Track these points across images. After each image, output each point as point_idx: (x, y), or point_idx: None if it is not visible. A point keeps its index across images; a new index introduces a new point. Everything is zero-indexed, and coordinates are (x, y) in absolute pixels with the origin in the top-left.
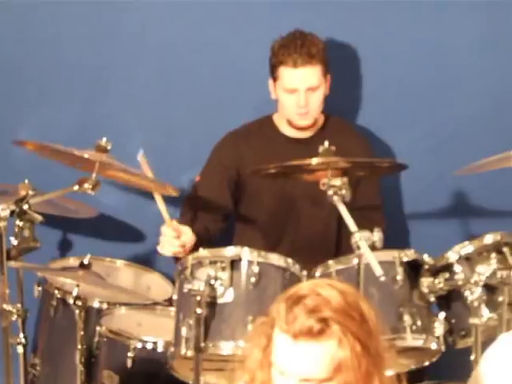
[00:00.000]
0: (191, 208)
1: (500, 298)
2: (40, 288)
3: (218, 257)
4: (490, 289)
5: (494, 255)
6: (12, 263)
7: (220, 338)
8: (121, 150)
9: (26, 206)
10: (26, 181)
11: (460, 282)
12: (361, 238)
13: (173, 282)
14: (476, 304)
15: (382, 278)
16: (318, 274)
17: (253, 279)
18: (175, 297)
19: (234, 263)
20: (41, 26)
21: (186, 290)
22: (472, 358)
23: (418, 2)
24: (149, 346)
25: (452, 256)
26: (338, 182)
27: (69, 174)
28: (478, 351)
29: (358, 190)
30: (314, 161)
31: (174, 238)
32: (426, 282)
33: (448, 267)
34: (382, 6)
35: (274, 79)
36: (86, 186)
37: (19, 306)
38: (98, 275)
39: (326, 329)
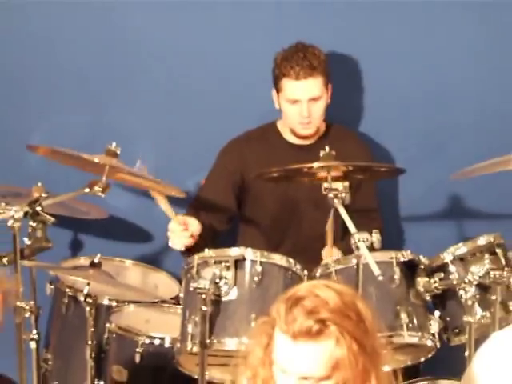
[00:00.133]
0: (197, 210)
1: (493, 297)
2: (52, 286)
3: (222, 257)
4: (483, 288)
5: (487, 256)
6: (25, 262)
7: (224, 335)
8: (129, 155)
9: (38, 208)
10: (39, 184)
11: (454, 282)
12: (360, 239)
13: (179, 280)
14: (470, 303)
15: (380, 278)
16: (318, 273)
17: (256, 278)
18: (182, 295)
19: (238, 263)
20: (54, 37)
21: (192, 289)
22: (466, 354)
23: (414, 15)
24: (156, 342)
25: (447, 257)
26: (338, 185)
27: (80, 177)
28: (472, 348)
29: (357, 194)
30: (315, 165)
31: (182, 231)
32: (421, 281)
33: (443, 267)
34: (381, 18)
35: (278, 90)
36: (97, 188)
37: (32, 303)
38: (108, 274)
39: (324, 329)
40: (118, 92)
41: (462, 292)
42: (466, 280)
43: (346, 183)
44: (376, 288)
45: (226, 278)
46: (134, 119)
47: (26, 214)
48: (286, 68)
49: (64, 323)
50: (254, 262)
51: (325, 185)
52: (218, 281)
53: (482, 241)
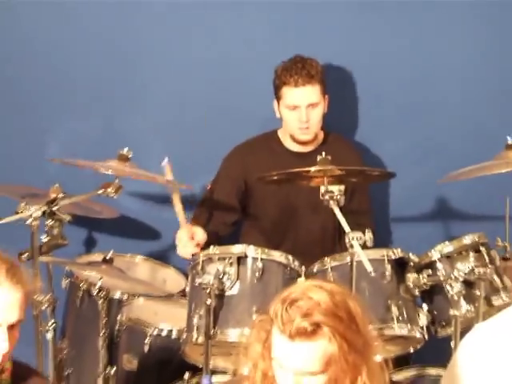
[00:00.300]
0: (203, 212)
1: (477, 293)
2: (67, 280)
3: (226, 254)
4: (468, 284)
5: (472, 254)
6: (43, 258)
7: (227, 326)
8: (140, 159)
9: (55, 208)
10: (56, 185)
11: (441, 278)
12: (353, 238)
13: (186, 275)
14: (455, 297)
15: (372, 274)
16: (315, 269)
17: (257, 274)
18: (188, 289)
19: (241, 259)
20: (69, 48)
21: (197, 283)
22: (452, 345)
23: (405, 28)
24: (164, 333)
25: (434, 254)
26: (334, 188)
27: (94, 179)
28: (457, 339)
29: (352, 197)
30: (313, 169)
31: (188, 240)
32: (411, 277)
33: (431, 264)
34: (373, 33)
35: (278, 98)
36: (110, 190)
37: (49, 296)
38: (119, 269)
39: (317, 330)
40: (129, 100)
41: (448, 287)
42: (452, 276)
43: (342, 186)
44: (368, 283)
45: (229, 274)
46: (145, 126)
47: (43, 213)
48: (285, 77)
49: (78, 315)
50: (255, 258)
51: (321, 188)
52: (221, 276)
53: (467, 240)
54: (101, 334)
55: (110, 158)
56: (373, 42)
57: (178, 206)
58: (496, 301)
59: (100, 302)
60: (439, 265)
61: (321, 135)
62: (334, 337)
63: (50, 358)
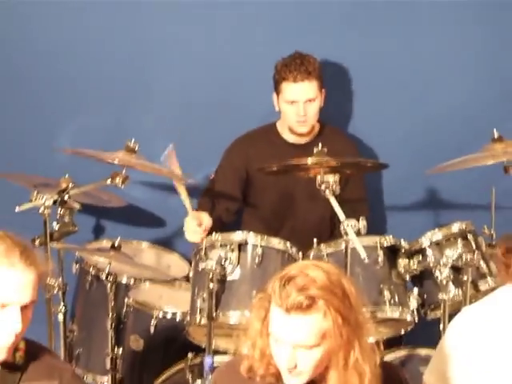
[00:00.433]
0: (207, 201)
1: (464, 278)
2: (77, 266)
3: (227, 240)
4: (456, 269)
5: (459, 241)
6: (54, 244)
7: (229, 309)
8: (146, 150)
9: (66, 197)
10: (67, 175)
11: (431, 264)
12: (348, 226)
13: (189, 261)
14: (444, 282)
15: (366, 260)
16: (311, 256)
17: (257, 260)
18: (191, 274)
19: (241, 246)
20: (79, 46)
21: (200, 269)
22: (441, 327)
23: (397, 25)
24: (169, 315)
25: (424, 241)
26: (330, 178)
27: (102, 170)
28: (446, 321)
29: (347, 186)
30: (309, 160)
31: (196, 226)
32: (402, 263)
33: (421, 251)
34: (368, 30)
35: (277, 93)
36: (117, 180)
37: (60, 280)
38: (127, 255)
39: (313, 304)
40: (136, 96)
41: (437, 273)
42: (441, 262)
43: (337, 177)
44: (362, 269)
45: (230, 259)
46: (151, 119)
47: (55, 202)
48: (285, 73)
49: (88, 298)
50: (255, 245)
51: (318, 178)
52: (223, 262)
53: (456, 228)
54: (109, 316)
55: (118, 150)
56: (367, 38)
57: (183, 194)
58: (482, 285)
59: (108, 285)
60: (429, 251)
61: (317, 127)
62: (329, 311)
63: (61, 338)
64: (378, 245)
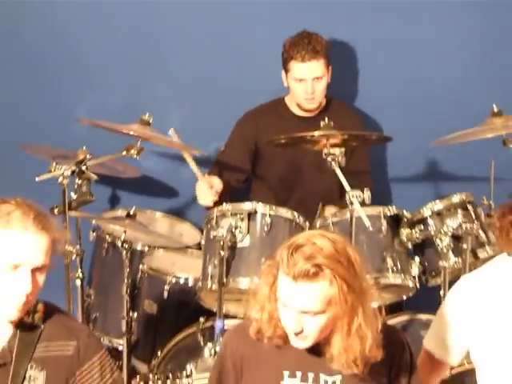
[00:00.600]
0: (218, 171)
1: (464, 246)
2: (94, 233)
3: (237, 210)
4: (456, 238)
5: (459, 211)
6: (72, 213)
7: (239, 275)
8: (160, 123)
9: (83, 167)
10: (84, 147)
11: (432, 233)
12: (353, 196)
13: (201, 230)
14: (445, 250)
15: (370, 229)
16: (318, 224)
17: (266, 228)
18: (203, 242)
19: (251, 215)
20: (97, 24)
21: (211, 236)
22: (441, 293)
23: (401, 3)
24: (181, 281)
25: (426, 211)
26: (336, 151)
27: (118, 141)
28: (446, 288)
29: (352, 158)
30: (316, 133)
31: (208, 189)
32: (404, 232)
33: (423, 220)
34: (374, 10)
35: (286, 71)
36: (132, 151)
37: (78, 247)
38: (141, 224)
39: (319, 272)
40: (150, 70)
41: (438, 241)
42: (442, 231)
43: (342, 149)
44: (366, 237)
45: (240, 228)
46: (165, 93)
47: (73, 172)
48: (293, 52)
49: (104, 265)
50: (264, 214)
51: (324, 150)
52: (233, 230)
53: (456, 198)
54: (124, 282)
55: (133, 123)
56: (373, 17)
57: (191, 164)
58: (481, 253)
59: (124, 253)
60: (430, 221)
61: (324, 102)
62: (335, 278)
63: (78, 303)
64: (382, 214)
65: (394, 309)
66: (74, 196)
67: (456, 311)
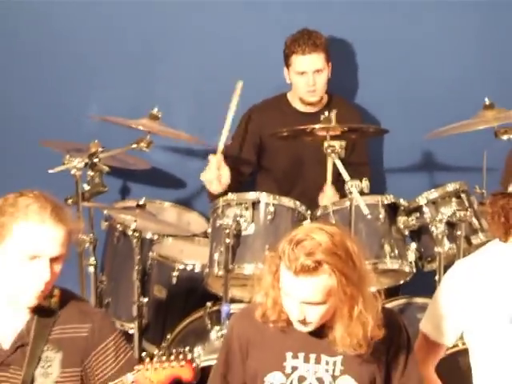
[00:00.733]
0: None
1: (458, 233)
2: (106, 223)
3: (242, 199)
4: (450, 225)
5: (454, 199)
6: (85, 203)
7: (244, 262)
8: (169, 118)
9: (96, 160)
10: (96, 141)
11: (428, 220)
12: (352, 186)
13: (208, 219)
14: (440, 237)
15: (369, 216)
16: (319, 213)
17: (269, 217)
18: (209, 230)
19: (255, 204)
20: (107, 26)
21: (218, 225)
22: (436, 278)
23: (398, 4)
24: (189, 268)
25: (421, 200)
26: (336, 143)
27: (128, 135)
28: (441, 273)
29: (352, 152)
30: (317, 126)
31: (215, 167)
32: (401, 219)
33: (418, 208)
34: (372, 9)
35: (288, 66)
36: (142, 144)
37: (91, 236)
38: (151, 213)
39: (319, 267)
40: (159, 68)
41: (433, 228)
42: (437, 219)
43: (342, 142)
44: (365, 225)
45: (245, 217)
46: (173, 89)
47: (86, 164)
48: (294, 46)
49: (116, 252)
50: (267, 203)
51: (325, 143)
52: (238, 219)
53: (450, 187)
54: (135, 268)
55: (143, 117)
56: (372, 15)
57: (225, 133)
58: (474, 240)
59: (134, 241)
60: (426, 209)
61: (325, 98)
62: (334, 272)
63: (91, 288)
64: (380, 203)
65: (391, 293)
66: (86, 187)
67: (451, 295)
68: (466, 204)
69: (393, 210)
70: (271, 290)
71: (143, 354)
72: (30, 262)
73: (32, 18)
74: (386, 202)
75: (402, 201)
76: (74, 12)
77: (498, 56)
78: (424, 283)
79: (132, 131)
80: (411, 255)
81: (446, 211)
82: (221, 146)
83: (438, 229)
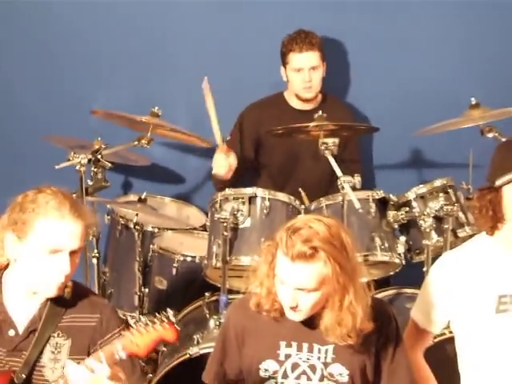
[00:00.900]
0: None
1: (445, 226)
2: (109, 216)
3: (239, 194)
4: (438, 219)
5: (441, 195)
6: (89, 198)
7: (240, 254)
8: (169, 116)
9: (99, 156)
10: (99, 138)
11: (416, 214)
12: (344, 181)
13: (206, 213)
14: (428, 230)
15: (360, 211)
16: (312, 207)
17: (265, 211)
18: (208, 223)
19: (251, 199)
20: (110, 26)
21: (216, 218)
22: (424, 269)
23: (389, 4)
24: (188, 259)
25: (410, 195)
26: (329, 140)
27: (130, 133)
28: (429, 264)
29: (345, 150)
30: (311, 124)
31: (224, 159)
32: (391, 213)
33: (407, 203)
34: (363, 9)
35: (285, 64)
36: (143, 142)
37: (94, 229)
38: (152, 207)
39: (315, 254)
40: (159, 67)
41: (422, 222)
42: (425, 213)
43: (335, 139)
44: (357, 218)
45: (242, 211)
46: (173, 88)
47: (89, 160)
48: (291, 45)
49: (118, 245)
50: (263, 198)
51: (320, 140)
52: (235, 213)
53: (438, 183)
54: (136, 260)
55: (144, 115)
56: (364, 17)
57: (215, 128)
58: (461, 233)
59: (136, 234)
60: (414, 203)
61: (319, 97)
62: (329, 260)
63: (95, 279)
64: (371, 198)
65: (381, 284)
66: (90, 182)
67: (438, 285)
68: (453, 199)
69: (383, 204)
70: (266, 279)
71: (129, 320)
72: (51, 256)
73: (38, 18)
74: (376, 197)
75: (391, 196)
76: (80, 12)
77: (484, 58)
78: (413, 274)
79: (133, 129)
80: (400, 247)
81: (434, 206)
82: (218, 138)
83: (426, 222)
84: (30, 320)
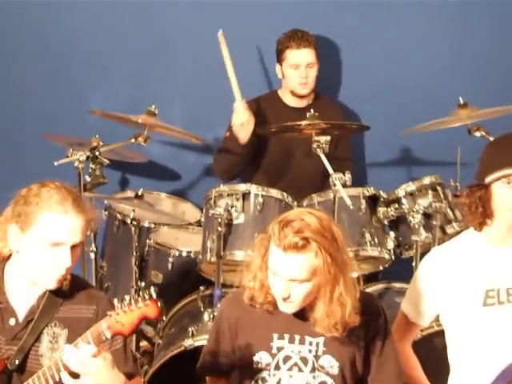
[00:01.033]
0: (223, 156)
1: (434, 223)
2: (107, 212)
3: (233, 191)
4: (426, 216)
5: (430, 192)
6: (87, 194)
7: (234, 249)
8: (165, 114)
9: (97, 153)
10: (97, 135)
11: (406, 211)
12: (336, 179)
13: (201, 209)
14: (417, 226)
15: (351, 207)
16: (304, 204)
17: (258, 207)
18: (203, 219)
19: (245, 195)
20: (108, 26)
21: (210, 214)
22: (413, 264)
23: (379, 5)
24: (184, 254)
25: (400, 192)
26: (321, 138)
27: (127, 131)
28: (418, 260)
29: (337, 148)
30: (303, 122)
31: (243, 109)
32: (381, 210)
33: (397, 200)
34: (350, 10)
35: (281, 61)
36: (140, 139)
37: (92, 224)
38: (148, 203)
39: (307, 245)
40: (156, 66)
41: (411, 218)
42: (414, 209)
43: (327, 137)
44: (347, 215)
45: (236, 207)
46: (169, 87)
47: (87, 157)
48: (289, 42)
49: (115, 240)
50: (256, 194)
51: (313, 139)
52: (229, 209)
53: (427, 181)
54: (133, 255)
55: (141, 113)
56: (354, 18)
57: (233, 83)
58: (449, 229)
59: (132, 229)
60: (404, 200)
61: (312, 95)
62: (320, 251)
63: (92, 273)
64: (361, 194)
65: (371, 278)
66: (88, 179)
67: (427, 279)
68: (442, 196)
69: (373, 201)
70: (259, 272)
71: (114, 300)
72: (53, 249)
73: (37, 17)
74: (367, 194)
75: (381, 193)
76: (78, 12)
77: (471, 58)
78: (402, 269)
79: (130, 127)
80: (390, 243)
81: (423, 203)
82: (237, 93)
83: (415, 219)
84: (28, 309)
